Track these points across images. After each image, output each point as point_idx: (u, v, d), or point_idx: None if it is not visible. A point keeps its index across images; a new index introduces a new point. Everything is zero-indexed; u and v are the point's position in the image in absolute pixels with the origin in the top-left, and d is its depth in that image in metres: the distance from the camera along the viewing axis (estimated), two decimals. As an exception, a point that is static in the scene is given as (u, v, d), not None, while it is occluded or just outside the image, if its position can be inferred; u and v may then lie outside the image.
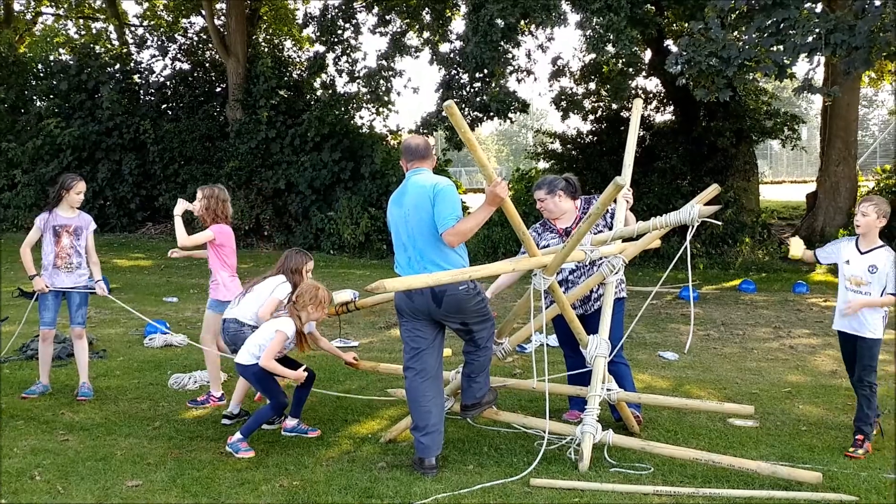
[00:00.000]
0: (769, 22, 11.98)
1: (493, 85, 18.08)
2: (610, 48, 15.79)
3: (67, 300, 7.25)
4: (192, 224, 9.55)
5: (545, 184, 6.43)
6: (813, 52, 11.98)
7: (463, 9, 20.82)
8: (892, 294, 5.80)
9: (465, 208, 16.33)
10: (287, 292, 6.30)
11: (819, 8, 13.02)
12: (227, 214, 7.27)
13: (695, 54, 12.41)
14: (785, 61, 12.20)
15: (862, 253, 5.97)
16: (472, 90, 18.39)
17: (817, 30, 11.74)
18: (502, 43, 17.02)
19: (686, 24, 19.17)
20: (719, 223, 6.99)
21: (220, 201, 7.21)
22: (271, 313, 6.23)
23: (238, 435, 5.79)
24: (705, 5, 13.92)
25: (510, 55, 18.55)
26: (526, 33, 19.60)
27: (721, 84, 12.88)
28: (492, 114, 18.34)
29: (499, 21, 16.13)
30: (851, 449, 5.75)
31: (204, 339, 7.23)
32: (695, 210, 5.49)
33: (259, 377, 5.94)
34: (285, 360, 6.15)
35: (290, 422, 6.28)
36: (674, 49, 20.39)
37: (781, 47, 12.06)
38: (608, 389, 5.75)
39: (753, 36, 12.26)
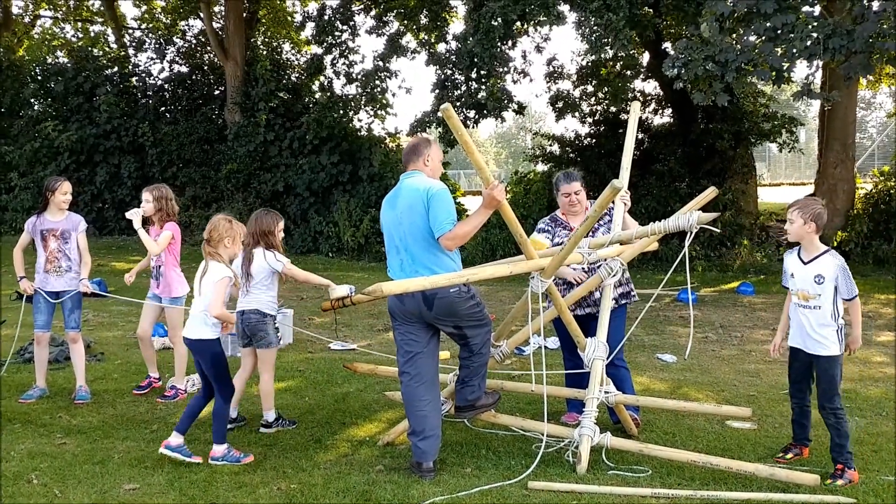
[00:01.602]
0: (767, 26, 11.96)
1: (491, 84, 18.07)
2: (609, 49, 15.79)
3: (61, 304, 7.25)
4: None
5: (575, 176, 6.43)
6: (812, 57, 11.95)
7: (461, 10, 20.84)
8: (847, 300, 5.35)
9: (463, 211, 16.35)
10: (280, 257, 6.42)
11: (817, 11, 12.98)
12: (175, 212, 7.50)
13: (691, 58, 12.39)
14: (783, 66, 12.18)
15: (805, 263, 5.49)
16: (467, 89, 18.38)
17: (814, 34, 11.72)
18: (500, 43, 17.02)
19: (684, 28, 19.21)
20: (717, 230, 6.97)
21: (168, 200, 7.44)
22: (303, 278, 6.53)
23: (220, 448, 5.59)
24: (703, 8, 13.91)
25: (508, 55, 18.53)
26: (522, 33, 19.56)
27: (718, 88, 12.87)
28: (486, 112, 18.33)
29: (499, 19, 16.12)
30: (829, 481, 5.17)
31: (174, 338, 7.45)
32: (693, 217, 5.50)
33: (217, 359, 5.69)
34: (224, 373, 5.81)
35: (220, 448, 5.65)
36: (671, 52, 20.46)
37: (780, 50, 12.05)
38: (606, 392, 5.75)
39: (752, 39, 12.25)
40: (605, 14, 14.88)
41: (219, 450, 5.60)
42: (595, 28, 15.16)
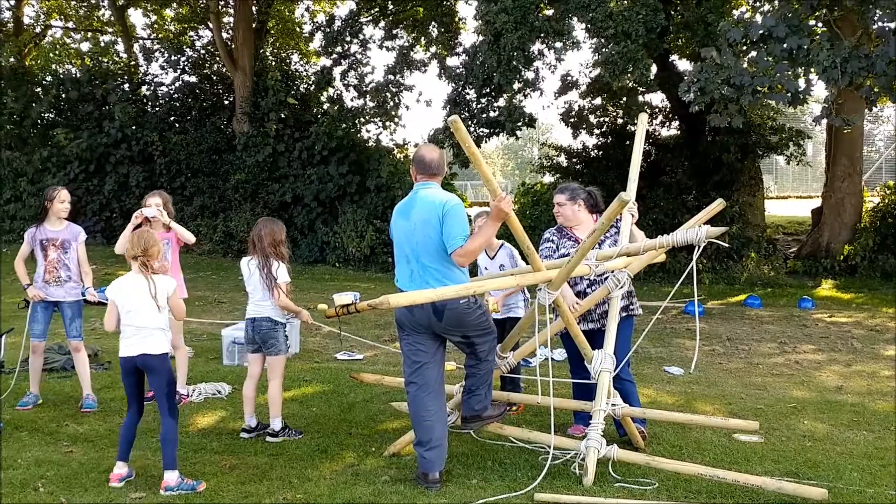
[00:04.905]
0: (783, 48, 11.93)
1: (507, 103, 18.08)
2: (629, 76, 15.77)
3: (61, 313, 7.28)
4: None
5: (568, 189, 6.48)
6: (830, 81, 11.92)
7: (470, 25, 20.85)
8: None
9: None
10: (285, 269, 6.46)
11: (822, 29, 12.97)
12: (173, 216, 7.70)
13: (707, 81, 12.39)
14: (799, 88, 12.16)
15: (490, 258, 7.17)
16: (478, 106, 18.35)
17: (829, 56, 11.65)
18: (521, 68, 17.05)
19: (693, 45, 19.23)
20: (727, 245, 6.99)
21: (171, 204, 7.69)
22: (289, 297, 6.45)
23: (172, 476, 5.27)
24: (715, 32, 13.92)
25: (523, 74, 18.53)
26: (536, 53, 19.55)
27: (734, 110, 12.90)
28: (498, 131, 18.32)
29: (520, 48, 16.14)
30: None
31: (175, 342, 7.49)
32: (702, 231, 5.49)
33: (171, 375, 5.55)
34: (141, 390, 5.64)
35: (172, 477, 5.31)
36: (680, 65, 20.48)
37: (800, 72, 12.03)
38: (613, 404, 5.74)
39: (766, 60, 12.21)
40: (623, 41, 14.89)
41: (171, 478, 5.27)
42: (613, 55, 15.14)
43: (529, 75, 18.62)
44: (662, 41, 17.18)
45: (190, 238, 7.57)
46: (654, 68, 21.36)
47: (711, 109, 13.69)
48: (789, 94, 12.30)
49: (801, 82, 12.35)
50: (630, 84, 20.84)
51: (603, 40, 15.66)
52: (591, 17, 15.47)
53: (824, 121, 13.81)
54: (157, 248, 5.52)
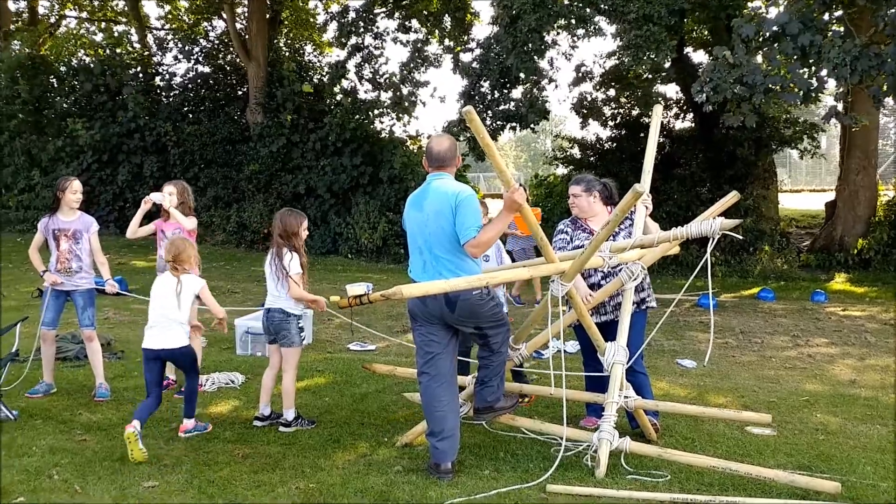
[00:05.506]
0: (794, 45, 11.85)
1: (527, 95, 18.02)
2: (652, 60, 15.69)
3: (73, 303, 7.32)
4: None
5: (584, 181, 6.50)
6: (840, 78, 11.84)
7: (485, 15, 20.76)
8: None
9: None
10: (298, 261, 6.49)
11: (842, 29, 12.87)
12: (192, 207, 7.76)
13: (720, 80, 12.33)
14: (811, 86, 12.09)
15: None
16: (492, 99, 18.29)
17: (839, 54, 11.57)
18: (535, 56, 16.99)
19: (706, 32, 19.12)
20: (741, 237, 6.97)
21: (189, 193, 7.74)
22: (303, 287, 6.49)
23: (190, 422, 6.26)
24: (727, 6, 13.81)
25: (536, 61, 18.49)
26: (550, 42, 19.50)
27: (747, 110, 12.84)
28: (514, 124, 18.28)
29: (536, 31, 16.09)
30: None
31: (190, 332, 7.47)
32: (716, 223, 5.48)
33: (193, 357, 6.28)
34: (161, 380, 6.28)
35: (190, 422, 6.32)
36: (695, 57, 20.37)
37: (807, 71, 11.96)
38: (626, 396, 5.73)
39: (778, 58, 12.15)
40: (645, 25, 14.82)
41: (189, 423, 6.26)
42: (636, 40, 15.08)
43: (545, 65, 18.55)
44: (683, 21, 17.07)
45: (186, 224, 7.48)
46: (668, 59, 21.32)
47: (724, 109, 13.61)
48: (801, 93, 12.24)
49: (814, 80, 12.27)
50: (646, 74, 20.78)
51: (625, 25, 15.59)
52: (613, 2, 15.41)
53: (833, 118, 13.75)
54: (187, 254, 6.16)
